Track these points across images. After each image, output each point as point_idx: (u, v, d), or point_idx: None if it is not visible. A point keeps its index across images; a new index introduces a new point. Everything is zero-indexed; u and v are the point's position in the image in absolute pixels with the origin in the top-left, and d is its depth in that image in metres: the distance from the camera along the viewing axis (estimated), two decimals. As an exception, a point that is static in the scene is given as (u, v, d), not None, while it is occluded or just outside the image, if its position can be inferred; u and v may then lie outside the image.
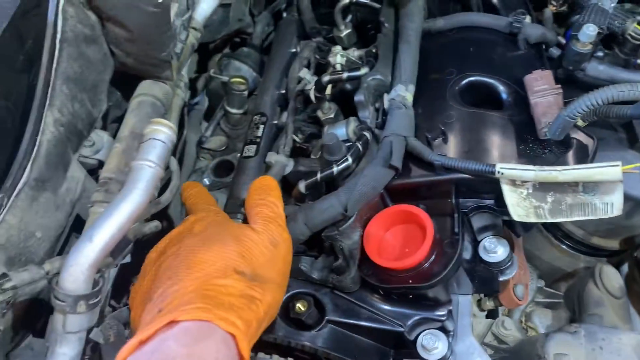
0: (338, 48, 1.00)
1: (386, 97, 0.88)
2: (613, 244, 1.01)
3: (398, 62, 0.91)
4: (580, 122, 0.92)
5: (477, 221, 0.85)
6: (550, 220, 0.76)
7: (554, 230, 1.04)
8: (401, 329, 0.80)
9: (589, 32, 0.88)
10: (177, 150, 1.32)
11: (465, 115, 0.86)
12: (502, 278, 0.88)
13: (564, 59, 0.95)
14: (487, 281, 0.86)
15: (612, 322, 0.96)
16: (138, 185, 0.72)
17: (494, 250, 0.84)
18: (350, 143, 0.85)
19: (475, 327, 1.00)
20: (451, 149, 0.84)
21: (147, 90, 0.92)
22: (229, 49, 1.52)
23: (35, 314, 0.78)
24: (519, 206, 0.75)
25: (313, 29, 1.18)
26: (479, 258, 0.84)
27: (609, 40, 1.07)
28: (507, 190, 0.76)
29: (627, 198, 0.90)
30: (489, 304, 1.02)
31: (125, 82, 0.98)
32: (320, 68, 1.04)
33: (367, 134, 0.85)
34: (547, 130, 0.80)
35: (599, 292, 0.98)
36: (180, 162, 1.28)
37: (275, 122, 1.07)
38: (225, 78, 1.22)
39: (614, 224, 0.97)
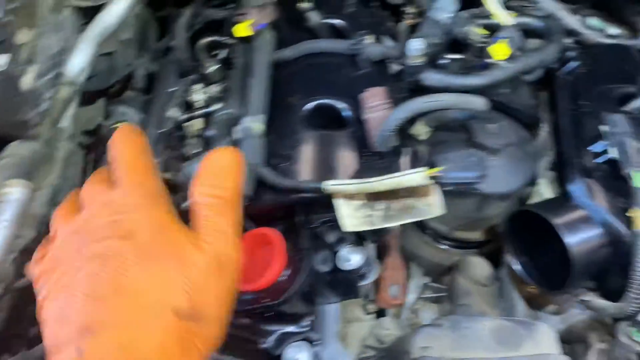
0: (198, 86, 1.06)
1: (236, 129, 0.94)
2: (475, 236, 1.08)
3: (248, 95, 0.98)
4: (423, 130, 1.00)
5: (332, 234, 0.92)
6: (381, 226, 0.83)
7: (424, 228, 1.11)
8: (264, 346, 0.85)
9: (415, 46, 0.96)
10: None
11: (310, 137, 0.93)
12: (363, 282, 0.95)
13: (403, 73, 1.02)
14: (347, 288, 0.93)
15: (481, 309, 1.03)
16: (-10, 244, 0.76)
17: (349, 258, 0.90)
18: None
19: (360, 330, 1.06)
20: (300, 171, 0.90)
21: (12, 151, 0.96)
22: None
23: None
24: (352, 217, 0.82)
25: (189, 67, 1.24)
26: (337, 268, 0.91)
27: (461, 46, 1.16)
28: (340, 203, 0.83)
29: (475, 194, 0.98)
30: (372, 307, 1.08)
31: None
32: (189, 106, 1.10)
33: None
34: (377, 143, 0.87)
35: (466, 283, 1.05)
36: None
37: (157, 160, 1.12)
38: (110, 124, 1.26)
39: (468, 218, 1.04)
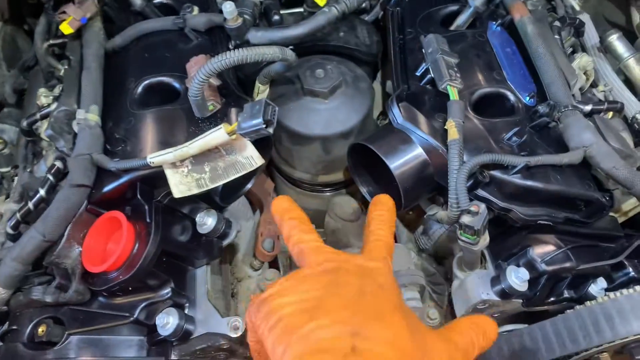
0: (42, 90, 1.09)
1: (74, 123, 0.98)
2: (336, 177, 1.13)
3: (82, 87, 1.01)
4: (263, 85, 1.04)
5: (186, 206, 0.97)
6: (211, 185, 0.87)
7: (291, 180, 1.16)
8: (132, 319, 0.90)
9: (227, 9, 0.98)
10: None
11: (142, 117, 0.97)
12: (226, 241, 1.00)
13: (231, 36, 1.05)
14: (208, 250, 0.98)
15: (346, 242, 1.09)
16: None
17: (204, 222, 0.95)
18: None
19: (249, 286, 1.12)
20: (134, 152, 0.94)
21: None
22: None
23: None
24: (181, 184, 0.87)
25: (48, 75, 1.26)
26: (198, 233, 0.96)
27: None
28: (169, 173, 0.87)
29: (314, 138, 1.02)
30: (257, 263, 1.13)
31: None
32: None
33: (58, 163, 0.95)
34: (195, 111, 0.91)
35: (333, 221, 1.11)
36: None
37: (29, 170, 1.15)
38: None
39: (322, 161, 1.09)
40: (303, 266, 0.62)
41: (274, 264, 1.18)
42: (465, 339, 0.60)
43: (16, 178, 1.15)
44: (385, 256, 0.64)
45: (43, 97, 1.07)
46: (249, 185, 1.02)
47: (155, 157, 0.85)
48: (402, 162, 0.90)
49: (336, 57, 1.11)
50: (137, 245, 0.89)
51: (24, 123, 1.02)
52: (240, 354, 1.00)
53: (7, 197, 1.13)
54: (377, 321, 0.52)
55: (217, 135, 0.81)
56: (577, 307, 0.91)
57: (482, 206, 0.83)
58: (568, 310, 0.94)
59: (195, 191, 0.87)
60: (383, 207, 0.72)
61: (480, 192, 0.88)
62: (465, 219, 0.84)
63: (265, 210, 1.14)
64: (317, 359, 0.48)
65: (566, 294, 0.99)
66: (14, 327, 0.92)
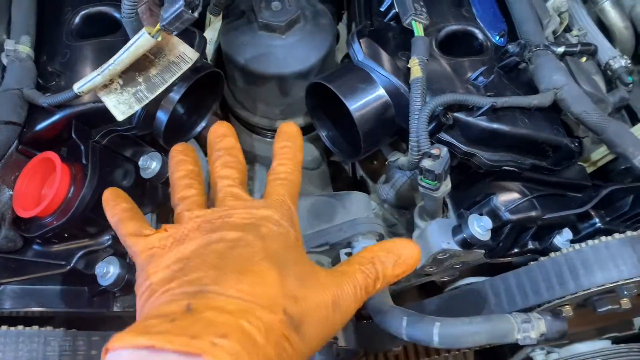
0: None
1: (2, 55, 0.88)
2: (298, 121, 1.06)
3: (12, 17, 0.91)
4: (213, 19, 0.95)
5: (127, 149, 0.90)
6: (151, 96, 0.79)
7: (249, 126, 1.08)
8: (68, 267, 0.84)
9: None
10: None
11: (79, 49, 0.88)
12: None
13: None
14: (153, 196, 0.92)
15: (307, 191, 1.03)
16: None
17: (148, 166, 0.88)
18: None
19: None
20: (70, 86, 0.85)
21: None
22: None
23: None
24: (120, 103, 0.79)
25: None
26: (141, 178, 0.89)
27: None
28: (103, 97, 0.79)
29: (269, 77, 0.95)
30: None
31: None
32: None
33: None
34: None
35: (291, 169, 1.05)
36: None
37: None
38: None
39: (278, 105, 1.02)
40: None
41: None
42: (368, 270, 0.58)
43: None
44: (283, 199, 0.61)
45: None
46: (198, 129, 0.95)
47: (83, 85, 0.77)
48: (362, 103, 0.84)
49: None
50: (72, 188, 0.82)
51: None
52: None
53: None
54: (233, 274, 0.50)
55: (142, 42, 0.73)
56: (541, 258, 0.88)
57: (444, 149, 0.78)
58: (531, 262, 0.91)
59: (137, 107, 0.79)
60: (286, 137, 0.67)
61: (443, 136, 0.83)
62: (426, 163, 0.78)
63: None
64: (143, 327, 0.44)
65: (530, 245, 0.96)
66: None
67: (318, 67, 0.97)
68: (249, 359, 0.43)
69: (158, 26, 0.73)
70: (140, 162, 0.89)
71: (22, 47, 0.88)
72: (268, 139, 1.10)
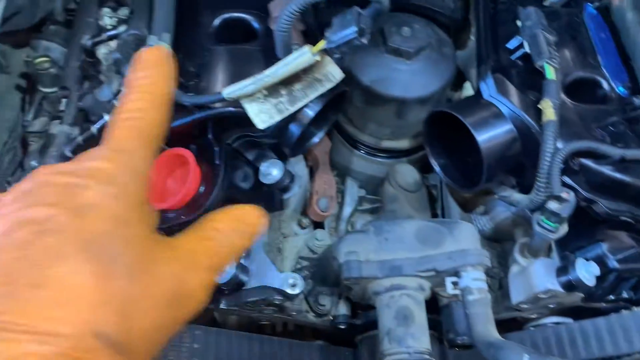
0: (106, 10, 1.02)
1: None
2: (403, 144, 1.09)
3: (153, 13, 0.95)
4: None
5: (251, 152, 0.92)
6: (291, 109, 0.82)
7: (352, 142, 1.11)
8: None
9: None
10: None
11: (218, 53, 0.91)
12: (287, 195, 0.96)
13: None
14: (270, 202, 0.94)
15: (407, 214, 1.05)
16: None
17: (269, 172, 0.91)
18: (112, 101, 0.90)
19: (296, 244, 1.08)
20: (208, 88, 0.89)
21: None
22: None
23: None
24: (262, 112, 0.81)
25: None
26: (260, 183, 0.91)
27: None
28: (246, 104, 0.82)
29: (390, 99, 0.97)
30: (306, 221, 1.09)
31: None
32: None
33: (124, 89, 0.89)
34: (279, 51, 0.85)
35: (393, 190, 1.07)
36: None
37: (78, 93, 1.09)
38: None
39: (390, 126, 1.04)
40: None
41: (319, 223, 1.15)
42: (215, 248, 0.45)
43: (64, 100, 1.09)
44: (125, 143, 0.43)
45: (107, 17, 1.01)
46: (315, 140, 0.98)
47: (233, 91, 0.79)
48: (490, 135, 0.86)
49: (415, 16, 1.04)
50: (202, 186, 0.85)
51: (88, 42, 0.95)
52: (288, 310, 0.97)
53: (54, 118, 1.08)
54: (25, 289, 0.34)
55: (302, 60, 0.75)
56: (635, 308, 0.89)
57: (572, 194, 0.79)
58: (623, 311, 0.92)
59: (277, 118, 0.82)
60: (147, 65, 0.47)
61: (566, 179, 0.85)
62: (552, 205, 0.80)
63: (321, 168, 1.09)
64: None
65: (625, 294, 0.97)
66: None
67: (438, 94, 0.99)
68: None
69: (321, 46, 0.75)
70: (262, 168, 0.91)
71: (163, 43, 0.91)
72: (367, 156, 1.12)
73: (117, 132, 0.43)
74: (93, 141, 0.87)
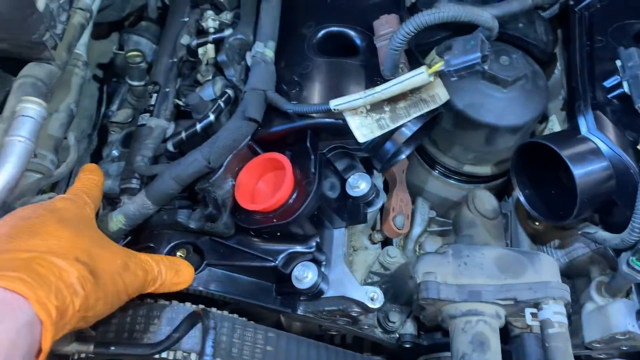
0: (210, 12, 1.06)
1: (248, 54, 0.94)
2: (485, 170, 1.09)
3: (259, 20, 0.97)
4: (436, 59, 0.99)
5: (341, 162, 0.94)
6: (392, 126, 0.83)
7: (432, 163, 1.12)
8: (274, 264, 0.88)
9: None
10: (96, 125, 1.40)
11: (320, 64, 0.93)
12: (371, 209, 0.97)
13: (417, 2, 1.01)
14: (354, 214, 0.95)
15: (484, 240, 1.05)
16: (9, 159, 0.79)
17: (357, 185, 0.92)
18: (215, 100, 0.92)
19: (367, 258, 1.09)
20: (308, 97, 0.91)
21: (28, 72, 0.97)
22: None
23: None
24: (363, 126, 0.83)
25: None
26: (346, 194, 0.93)
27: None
28: (348, 117, 0.83)
29: (483, 125, 0.98)
30: (378, 237, 1.10)
31: (18, 67, 1.04)
32: (200, 33, 1.10)
33: (229, 91, 0.92)
34: (385, 69, 0.87)
35: (471, 215, 1.07)
36: (103, 135, 1.35)
37: (168, 89, 1.12)
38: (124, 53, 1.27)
39: (478, 151, 1.05)
40: None
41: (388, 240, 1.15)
42: (150, 267, 0.75)
43: (155, 95, 1.12)
44: (78, 191, 0.78)
45: (211, 20, 1.04)
46: (402, 157, 0.99)
47: (341, 104, 0.81)
48: (587, 171, 0.86)
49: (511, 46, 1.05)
50: (295, 193, 0.86)
51: (193, 42, 0.99)
52: (361, 324, 0.98)
53: (145, 111, 1.11)
54: (24, 235, 0.61)
55: (418, 79, 0.77)
56: None
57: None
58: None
59: (377, 133, 0.83)
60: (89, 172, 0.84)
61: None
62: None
63: (398, 186, 1.10)
64: None
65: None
66: (151, 245, 0.90)
67: (529, 125, 0.99)
68: (38, 286, 0.53)
69: (438, 68, 0.76)
70: (350, 180, 0.93)
71: (268, 51, 0.93)
72: (446, 179, 1.13)
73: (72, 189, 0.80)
74: (196, 138, 0.89)
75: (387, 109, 0.84)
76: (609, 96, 0.95)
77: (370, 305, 0.88)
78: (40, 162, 0.95)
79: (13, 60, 1.02)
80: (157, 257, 0.78)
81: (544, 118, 1.12)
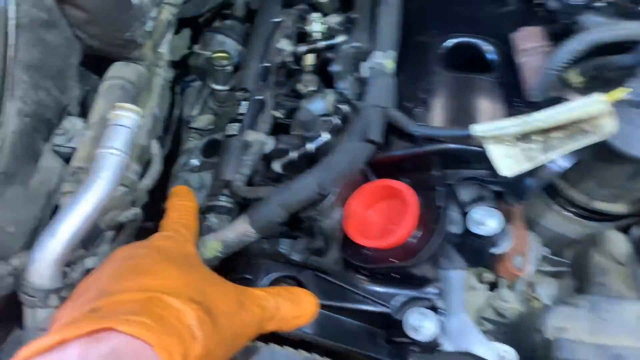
0: (316, 15, 0.94)
1: (364, 65, 0.83)
2: (619, 208, 0.95)
3: (377, 26, 0.86)
4: (577, 79, 0.86)
5: (466, 193, 0.81)
6: (543, 158, 0.70)
7: (555, 196, 0.98)
8: (388, 310, 0.76)
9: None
10: (170, 130, 1.30)
11: (449, 80, 0.81)
12: (496, 251, 0.85)
13: (557, 12, 0.88)
14: (477, 255, 0.83)
15: (618, 290, 0.91)
16: (101, 174, 0.69)
17: (484, 222, 0.79)
18: (328, 117, 0.81)
19: (475, 300, 0.96)
20: (434, 117, 0.79)
21: (117, 72, 0.88)
22: (219, 22, 1.46)
23: (16, 308, 0.77)
24: (508, 157, 0.70)
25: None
26: (468, 231, 0.80)
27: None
28: (491, 145, 0.71)
29: (631, 160, 0.84)
30: (489, 277, 0.97)
31: (101, 64, 0.95)
32: (301, 38, 0.99)
33: (345, 107, 0.81)
34: (535, 90, 0.74)
35: (604, 260, 0.93)
36: (176, 142, 1.26)
37: (260, 97, 1.02)
38: (208, 53, 1.17)
39: (618, 187, 0.90)
40: None
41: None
42: (267, 300, 0.63)
43: (244, 103, 1.01)
44: (176, 225, 0.70)
45: (319, 23, 0.93)
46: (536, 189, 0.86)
47: (486, 130, 0.69)
48: None
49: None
50: (420, 229, 0.74)
51: (302, 49, 0.87)
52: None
53: (233, 120, 1.01)
54: (132, 276, 0.54)
55: (593, 108, 0.64)
56: None
57: None
58: None
59: (525, 166, 0.70)
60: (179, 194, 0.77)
61: None
62: None
63: (517, 221, 0.97)
64: (47, 334, 0.45)
65: None
66: (248, 276, 0.80)
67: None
68: (162, 332, 0.46)
69: (621, 96, 0.63)
70: (474, 214, 0.80)
71: (389, 62, 0.82)
72: (566, 214, 0.99)
73: (167, 223, 0.72)
74: (307, 159, 0.78)
75: (539, 138, 0.71)
76: None
77: (499, 366, 0.75)
78: (126, 174, 0.86)
79: (97, 58, 0.93)
80: (273, 290, 0.66)
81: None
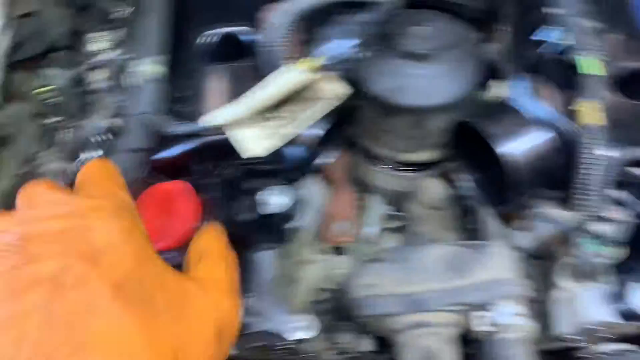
0: (98, 33, 0.97)
1: (127, 75, 0.85)
2: (425, 156, 0.97)
3: (139, 32, 0.88)
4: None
5: (248, 180, 0.83)
6: (295, 132, 0.72)
7: (373, 157, 1.00)
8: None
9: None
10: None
11: (214, 72, 0.83)
12: (293, 224, 0.87)
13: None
14: (274, 232, 0.85)
15: (436, 235, 0.94)
16: None
17: (268, 201, 0.82)
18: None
19: (316, 272, 0.97)
20: (206, 113, 0.80)
21: None
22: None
23: None
24: (260, 138, 0.73)
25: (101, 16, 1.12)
26: (260, 212, 0.83)
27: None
28: (240, 130, 0.73)
29: (406, 109, 0.86)
30: (328, 248, 0.99)
31: None
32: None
33: (115, 120, 0.83)
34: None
35: (418, 208, 0.96)
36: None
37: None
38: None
39: (409, 137, 0.93)
40: None
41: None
42: (224, 268, 0.50)
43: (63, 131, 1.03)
44: (112, 189, 0.46)
45: (95, 42, 0.95)
46: (327, 158, 0.88)
47: (220, 116, 0.71)
48: (518, 147, 0.74)
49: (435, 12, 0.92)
50: (200, 222, 0.77)
51: (73, 71, 0.90)
52: (302, 351, 0.88)
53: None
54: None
55: (296, 76, 0.66)
56: None
57: (624, 213, 0.66)
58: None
59: (279, 143, 0.73)
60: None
61: (619, 195, 0.71)
62: (597, 226, 0.67)
63: (339, 187, 0.99)
64: None
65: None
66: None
67: (462, 100, 0.87)
68: None
69: (317, 62, 0.66)
70: (257, 197, 0.82)
71: (151, 68, 0.84)
72: (388, 171, 1.01)
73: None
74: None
75: (285, 114, 0.74)
76: (541, 52, 0.82)
77: (297, 336, 0.78)
78: None
79: None
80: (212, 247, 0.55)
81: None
